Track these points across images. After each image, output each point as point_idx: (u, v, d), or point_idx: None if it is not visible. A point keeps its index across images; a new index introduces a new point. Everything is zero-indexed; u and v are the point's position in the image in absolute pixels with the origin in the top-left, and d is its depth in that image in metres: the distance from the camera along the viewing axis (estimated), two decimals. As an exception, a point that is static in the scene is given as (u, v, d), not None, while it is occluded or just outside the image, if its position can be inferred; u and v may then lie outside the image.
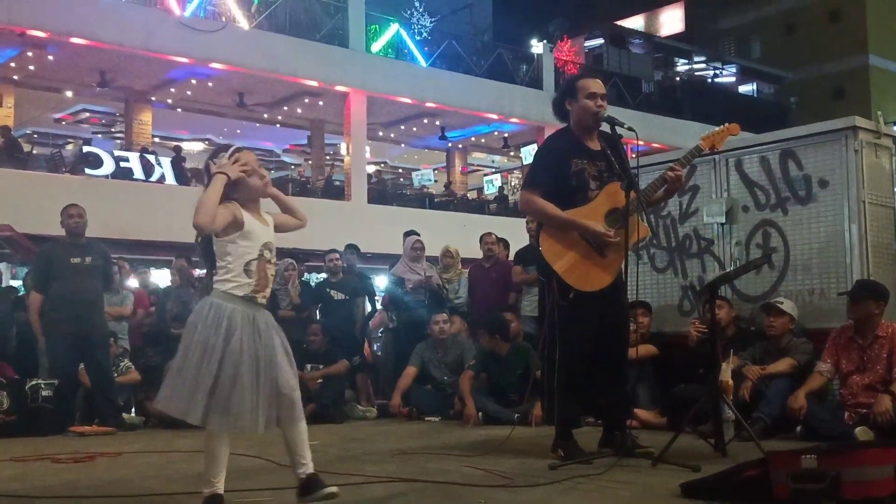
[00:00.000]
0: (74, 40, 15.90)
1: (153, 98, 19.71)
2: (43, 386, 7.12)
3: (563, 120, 4.93)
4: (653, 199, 4.86)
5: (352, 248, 10.04)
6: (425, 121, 22.88)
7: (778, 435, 5.44)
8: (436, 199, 23.20)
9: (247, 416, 3.23)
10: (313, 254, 11.96)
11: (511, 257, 9.06)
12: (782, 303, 6.04)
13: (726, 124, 4.94)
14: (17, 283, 14.90)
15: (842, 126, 6.13)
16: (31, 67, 17.64)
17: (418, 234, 9.40)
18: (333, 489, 3.39)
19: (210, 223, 3.24)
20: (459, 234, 10.06)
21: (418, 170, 25.95)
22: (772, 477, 3.27)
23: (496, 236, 9.17)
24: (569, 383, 4.60)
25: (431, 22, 23.45)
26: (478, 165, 28.65)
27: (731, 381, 5.14)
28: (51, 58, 17.06)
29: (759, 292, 6.44)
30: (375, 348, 10.25)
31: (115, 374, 8.00)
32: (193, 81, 18.92)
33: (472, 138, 25.28)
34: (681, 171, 4.74)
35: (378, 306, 9.83)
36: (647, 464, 4.33)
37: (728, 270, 6.27)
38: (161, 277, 11.77)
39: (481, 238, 9.20)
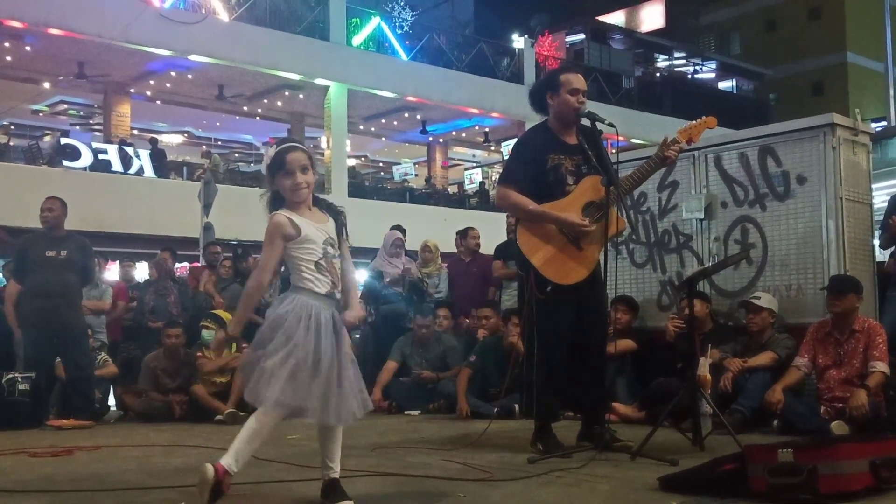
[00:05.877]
0: (52, 31, 15.77)
1: (132, 90, 19.57)
2: (20, 379, 7.05)
3: (540, 111, 4.92)
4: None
5: None
6: (406, 115, 22.86)
7: (755, 429, 5.49)
8: (416, 193, 23.19)
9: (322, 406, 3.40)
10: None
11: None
12: (759, 298, 6.07)
13: (703, 118, 4.96)
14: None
15: (820, 123, 6.17)
16: (8, 58, 17.48)
17: (404, 230, 9.38)
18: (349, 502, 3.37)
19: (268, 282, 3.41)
20: (439, 229, 10.06)
21: (399, 164, 25.88)
22: (749, 471, 3.30)
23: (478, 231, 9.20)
24: (547, 377, 4.61)
25: (413, 16, 23.39)
26: (458, 160, 28.64)
27: (709, 376, 5.16)
28: (28, 48, 16.91)
29: (738, 287, 6.49)
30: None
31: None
32: (173, 73, 18.81)
33: (453, 132, 25.28)
34: (678, 149, 4.78)
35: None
36: (625, 458, 4.35)
37: (706, 266, 6.30)
38: (140, 270, 11.68)
39: (466, 232, 9.17)
